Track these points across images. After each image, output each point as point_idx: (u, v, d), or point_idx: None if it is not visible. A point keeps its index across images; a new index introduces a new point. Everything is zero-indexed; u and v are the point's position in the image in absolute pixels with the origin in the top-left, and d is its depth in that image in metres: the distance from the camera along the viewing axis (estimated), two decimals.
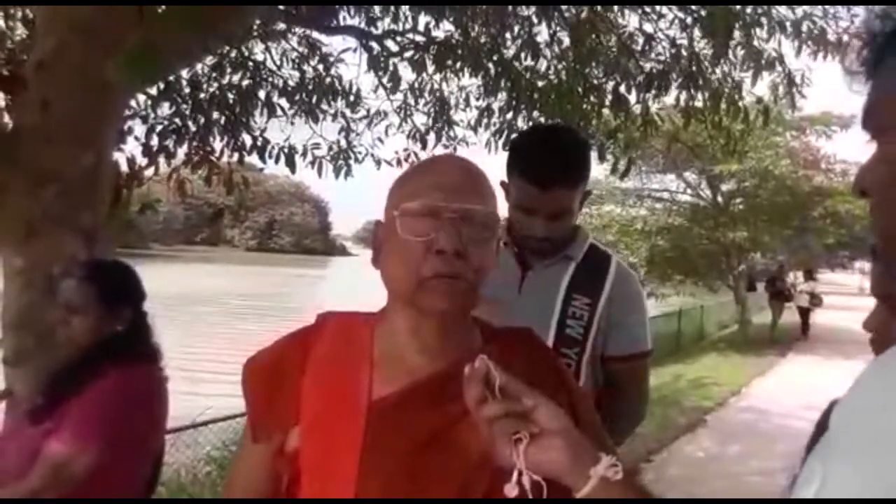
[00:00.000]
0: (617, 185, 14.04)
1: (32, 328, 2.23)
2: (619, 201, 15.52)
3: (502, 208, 1.09)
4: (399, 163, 5.46)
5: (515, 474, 0.78)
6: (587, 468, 0.79)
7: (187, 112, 4.39)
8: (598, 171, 8.53)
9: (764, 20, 3.84)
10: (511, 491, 0.78)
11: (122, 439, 1.60)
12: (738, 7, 3.68)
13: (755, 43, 4.10)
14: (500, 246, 1.69)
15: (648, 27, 4.55)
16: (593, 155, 4.35)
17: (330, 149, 5.19)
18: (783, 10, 4.06)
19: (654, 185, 16.62)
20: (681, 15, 4.34)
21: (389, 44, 4.92)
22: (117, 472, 1.62)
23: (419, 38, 4.86)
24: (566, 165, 1.60)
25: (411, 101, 5.34)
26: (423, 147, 5.41)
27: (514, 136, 1.79)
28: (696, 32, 4.31)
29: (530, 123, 5.20)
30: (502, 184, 1.69)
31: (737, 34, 3.90)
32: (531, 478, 0.78)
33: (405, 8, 4.68)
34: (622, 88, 4.57)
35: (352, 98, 5.15)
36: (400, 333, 0.98)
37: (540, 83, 4.80)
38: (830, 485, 0.58)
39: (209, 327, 16.20)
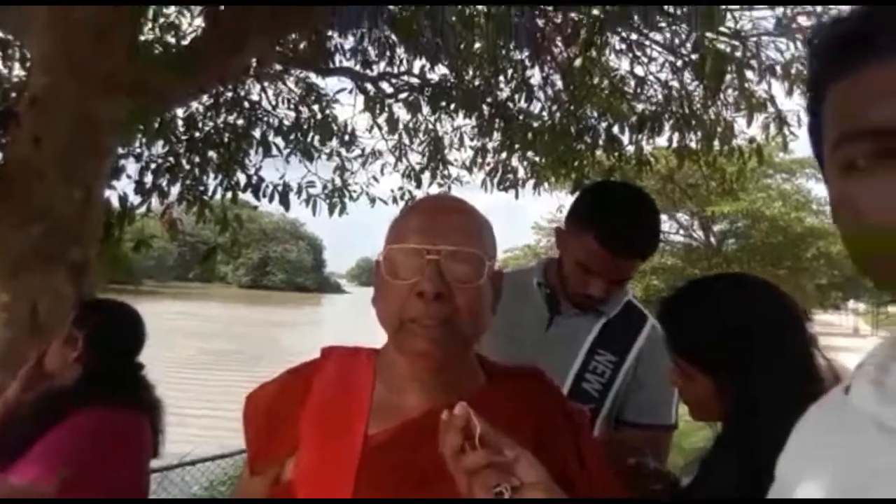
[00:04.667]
0: None
1: (14, 365, 2.19)
2: None
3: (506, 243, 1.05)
4: (395, 201, 5.48)
5: None
6: None
7: (181, 151, 4.40)
8: None
9: (754, 62, 3.89)
10: None
11: (88, 479, 1.54)
12: (729, 49, 3.74)
13: (745, 85, 4.15)
14: (535, 286, 1.65)
15: (639, 70, 4.63)
16: None
17: (325, 187, 5.21)
18: (773, 52, 4.11)
19: None
20: (671, 58, 4.41)
21: (384, 85, 4.98)
22: None
23: (414, 81, 4.92)
24: (645, 238, 1.55)
25: (406, 140, 5.39)
26: (418, 185, 5.44)
27: (585, 188, 1.72)
28: (687, 75, 4.37)
29: (524, 163, 5.25)
30: (558, 230, 1.64)
31: (728, 77, 3.94)
32: None
33: (401, 51, 4.74)
34: (615, 129, 4.62)
35: (347, 138, 5.20)
36: (398, 371, 0.96)
37: (534, 124, 4.85)
38: None
39: (192, 368, 16.07)
